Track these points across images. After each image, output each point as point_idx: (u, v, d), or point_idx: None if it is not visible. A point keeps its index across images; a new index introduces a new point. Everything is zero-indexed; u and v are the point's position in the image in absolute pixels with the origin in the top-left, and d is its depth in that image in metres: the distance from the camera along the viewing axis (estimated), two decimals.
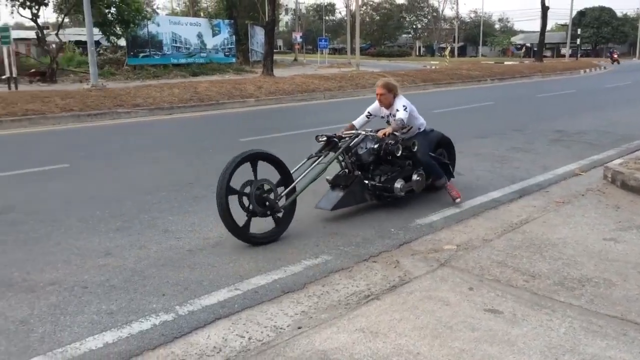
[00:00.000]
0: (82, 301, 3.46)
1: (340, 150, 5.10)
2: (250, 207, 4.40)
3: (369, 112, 5.66)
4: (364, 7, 71.75)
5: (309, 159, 5.09)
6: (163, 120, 13.05)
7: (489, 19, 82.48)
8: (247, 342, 2.95)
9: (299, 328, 3.09)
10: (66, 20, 28.54)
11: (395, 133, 5.28)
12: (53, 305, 3.40)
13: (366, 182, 5.26)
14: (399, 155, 5.26)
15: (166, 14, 43.97)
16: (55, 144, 10.09)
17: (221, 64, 32.11)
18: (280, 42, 72.12)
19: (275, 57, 28.24)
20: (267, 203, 4.45)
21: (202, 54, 32.14)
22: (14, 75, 17.71)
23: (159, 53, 30.15)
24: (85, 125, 12.14)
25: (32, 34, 30.65)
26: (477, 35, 71.48)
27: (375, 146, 5.25)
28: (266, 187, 4.48)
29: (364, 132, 5.32)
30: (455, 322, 3.08)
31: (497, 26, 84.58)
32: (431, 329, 3.01)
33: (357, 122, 5.60)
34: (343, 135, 5.29)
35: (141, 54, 29.37)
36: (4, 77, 18.33)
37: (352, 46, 41.56)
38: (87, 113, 12.66)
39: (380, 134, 5.21)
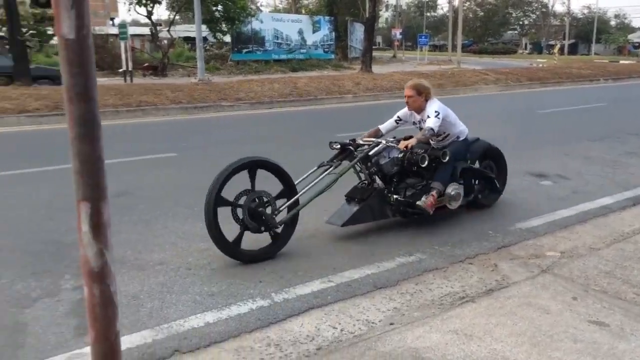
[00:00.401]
0: (186, 282, 3.68)
1: (356, 159, 4.51)
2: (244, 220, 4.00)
3: (398, 117, 4.97)
4: (468, 3, 69.68)
5: (319, 167, 4.53)
6: (263, 114, 13.48)
7: (604, 15, 76.92)
8: (339, 334, 3.00)
9: (391, 324, 3.09)
10: (177, 17, 30.20)
11: (430, 143, 4.73)
12: (160, 284, 3.64)
13: (392, 195, 4.63)
14: (424, 165, 4.54)
15: (269, 11, 45.25)
16: (165, 133, 10.73)
17: (320, 60, 32.60)
18: (379, 39, 71.90)
19: (374, 53, 28.17)
20: (263, 217, 4.01)
21: (302, 50, 32.81)
22: (129, 68, 19.05)
23: (261, 49, 31.15)
24: (191, 117, 12.81)
25: (146, 31, 32.75)
26: (589, 32, 67.05)
27: (400, 155, 4.59)
28: (264, 199, 4.05)
29: (384, 142, 4.63)
30: (556, 332, 2.94)
31: (612, 23, 78.83)
32: (529, 336, 2.90)
33: (384, 126, 4.97)
34: (362, 142, 4.70)
35: (244, 50, 30.51)
36: (120, 70, 19.76)
37: (454, 43, 40.56)
38: (193, 105, 13.35)
39: (401, 145, 4.58)
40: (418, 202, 4.53)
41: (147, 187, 6.19)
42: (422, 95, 4.74)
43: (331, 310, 3.27)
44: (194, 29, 22.18)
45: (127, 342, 2.86)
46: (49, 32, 25.93)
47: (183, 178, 6.69)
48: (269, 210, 4.06)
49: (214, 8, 27.44)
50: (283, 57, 31.67)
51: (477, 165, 5.32)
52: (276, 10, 52.13)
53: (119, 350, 1.29)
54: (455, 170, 4.85)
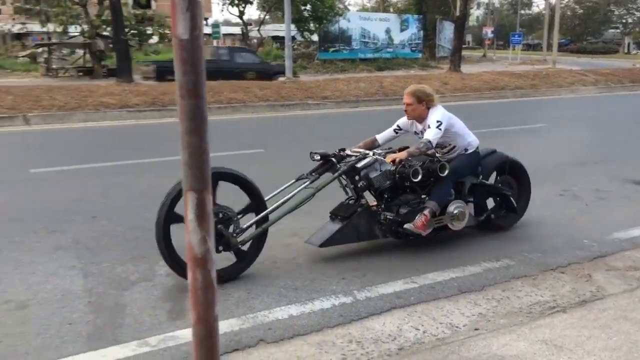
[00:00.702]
0: (271, 274, 3.79)
1: (338, 172, 4.05)
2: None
3: (397, 126, 4.47)
4: (566, 0, 66.26)
5: (297, 180, 4.10)
6: (349, 113, 13.55)
7: None
8: (421, 335, 2.98)
9: (476, 329, 3.03)
10: (266, 17, 31.01)
11: (436, 155, 4.24)
12: (247, 276, 3.77)
13: (382, 213, 4.15)
14: (416, 180, 4.00)
15: (357, 10, 45.33)
16: (253, 130, 11.06)
17: (407, 59, 32.29)
18: (469, 38, 69.85)
19: (463, 52, 27.50)
20: (223, 235, 3.61)
21: (388, 49, 32.63)
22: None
23: (348, 48, 31.30)
24: (278, 114, 13.11)
25: (237, 30, 33.88)
26: None
27: (392, 168, 4.09)
28: (225, 216, 3.67)
29: (371, 154, 4.15)
30: None
31: None
32: (625, 351, 2.74)
33: (382, 136, 4.48)
34: (350, 154, 4.24)
35: (331, 49, 30.78)
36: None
37: (549, 42, 38.77)
38: (280, 103, 13.65)
39: (388, 159, 4.06)
40: (405, 225, 4.02)
41: None
42: (422, 102, 4.20)
43: (414, 312, 3.25)
44: (282, 28, 22.69)
45: None
46: (148, 32, 27.44)
47: (270, 174, 6.85)
48: (231, 228, 3.69)
49: (303, 7, 27.94)
50: (369, 56, 31.64)
51: (493, 181, 4.73)
52: (364, 9, 52.14)
53: (217, 333, 1.36)
54: (462, 186, 4.37)
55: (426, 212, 4.06)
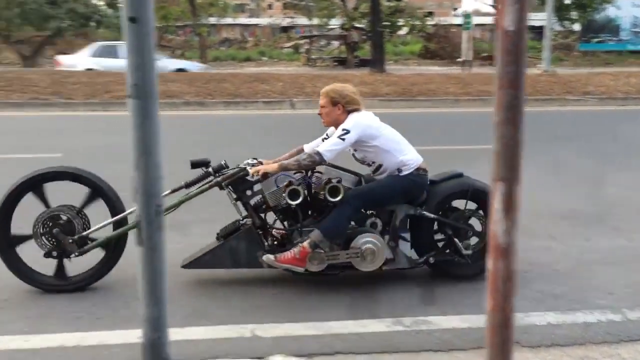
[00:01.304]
0: (527, 277, 3.60)
1: (210, 184, 3.42)
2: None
3: (327, 135, 3.68)
4: None
5: (172, 191, 3.45)
6: (614, 111, 12.16)
7: None
8: None
9: None
10: None
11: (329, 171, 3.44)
12: None
13: (268, 238, 3.50)
14: (296, 202, 3.29)
15: None
16: None
17: None
18: None
19: None
20: (58, 240, 3.28)
21: None
22: (469, 58, 19.44)
23: (614, 38, 28.07)
24: (532, 109, 12.33)
25: (487, 20, 32.83)
26: None
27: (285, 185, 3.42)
28: (63, 217, 3.30)
29: (249, 163, 3.52)
30: None
31: None
32: None
33: (310, 147, 3.70)
34: (242, 166, 3.50)
35: (594, 39, 27.92)
36: (459, 59, 20.33)
37: None
38: (535, 98, 12.85)
39: (253, 170, 3.39)
40: (264, 257, 3.35)
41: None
42: (337, 105, 3.43)
43: None
44: (538, 17, 21.30)
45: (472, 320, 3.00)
46: (399, 24, 28.29)
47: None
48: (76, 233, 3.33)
49: None
50: None
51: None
52: None
53: (513, 323, 1.38)
54: (394, 217, 3.49)
55: (305, 243, 3.31)
